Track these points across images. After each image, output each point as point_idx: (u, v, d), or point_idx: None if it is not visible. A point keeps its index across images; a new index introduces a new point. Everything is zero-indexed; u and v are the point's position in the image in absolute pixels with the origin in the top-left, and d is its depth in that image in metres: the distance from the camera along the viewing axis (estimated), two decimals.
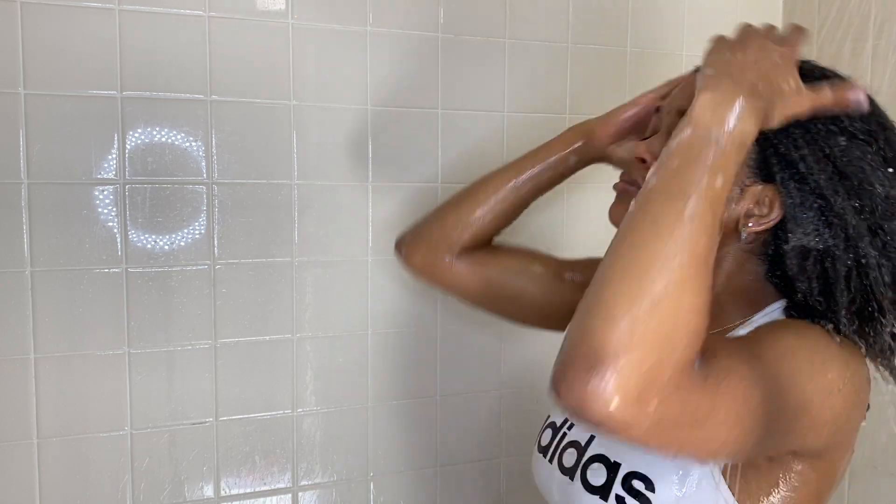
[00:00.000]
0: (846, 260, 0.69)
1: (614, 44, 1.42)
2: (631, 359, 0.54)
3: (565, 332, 0.59)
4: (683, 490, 0.71)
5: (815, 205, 0.69)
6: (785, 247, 0.70)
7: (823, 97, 0.68)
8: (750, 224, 0.72)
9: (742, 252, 0.75)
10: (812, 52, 1.47)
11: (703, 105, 0.63)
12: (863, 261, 0.68)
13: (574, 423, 0.56)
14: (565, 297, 1.00)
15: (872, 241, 0.68)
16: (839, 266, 0.69)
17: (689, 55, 1.45)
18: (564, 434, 0.84)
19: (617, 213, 0.83)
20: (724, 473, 0.70)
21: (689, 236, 0.57)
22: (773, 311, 0.75)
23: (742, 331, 0.74)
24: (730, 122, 0.62)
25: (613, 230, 0.67)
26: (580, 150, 0.98)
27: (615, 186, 0.85)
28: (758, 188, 0.71)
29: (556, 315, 1.00)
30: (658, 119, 0.83)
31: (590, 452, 0.78)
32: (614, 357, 0.54)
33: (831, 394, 0.66)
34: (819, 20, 1.45)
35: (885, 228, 0.68)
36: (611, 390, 0.53)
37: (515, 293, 1.02)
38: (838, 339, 0.69)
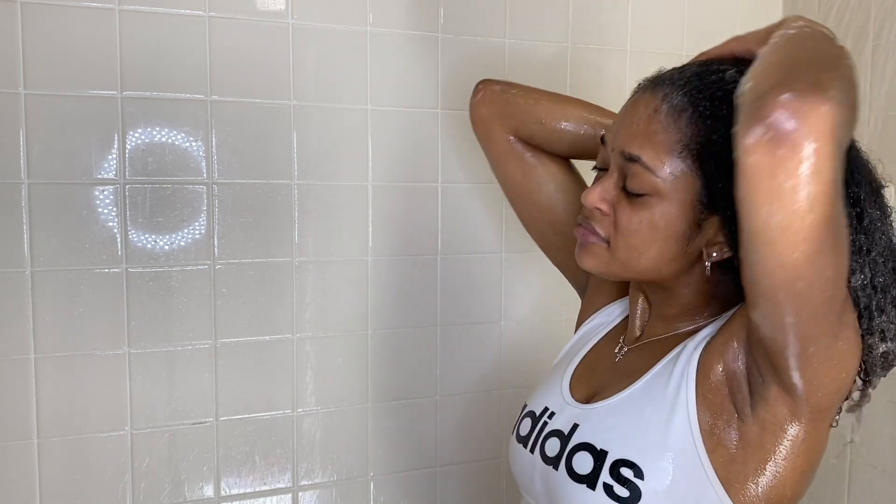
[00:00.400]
0: None
1: (614, 44, 1.42)
2: (843, 99, 0.56)
3: (755, 82, 0.59)
4: (672, 476, 0.71)
5: None
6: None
7: None
8: (714, 254, 0.74)
9: (706, 270, 0.77)
10: None
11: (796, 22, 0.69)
12: None
13: (769, 142, 0.55)
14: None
15: None
16: None
17: (688, 55, 1.44)
18: (545, 423, 0.83)
19: (588, 261, 0.79)
20: (710, 458, 0.70)
21: (845, 54, 0.63)
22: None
23: (710, 328, 0.77)
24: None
25: None
26: None
27: (576, 232, 0.81)
28: (715, 219, 0.73)
29: (563, 246, 0.98)
30: (606, 152, 0.79)
31: (574, 441, 0.78)
32: (832, 91, 0.55)
33: (857, 341, 0.69)
34: (819, 20, 1.45)
35: None
36: (826, 114, 0.54)
37: (545, 203, 0.99)
38: None
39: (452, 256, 1.35)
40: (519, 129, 0.99)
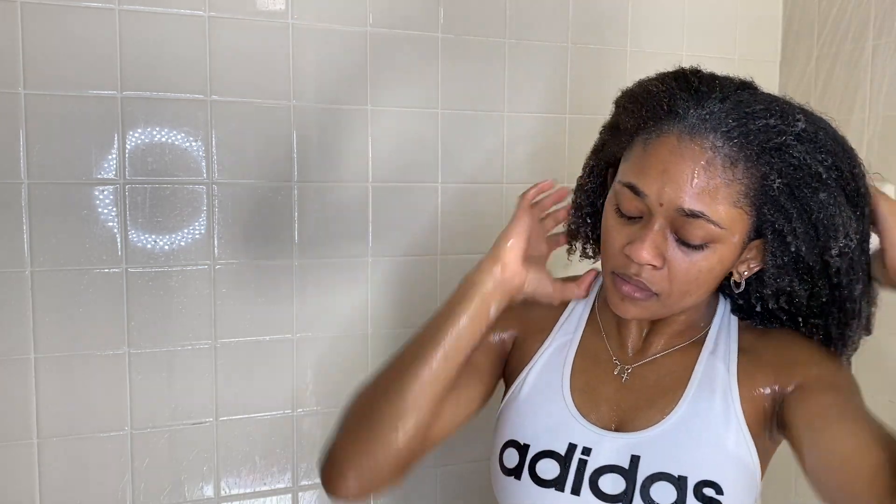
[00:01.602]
0: (802, 291, 0.78)
1: (614, 44, 1.42)
2: None
3: None
4: (742, 484, 0.75)
5: (791, 259, 0.75)
6: (765, 291, 0.78)
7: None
8: (745, 272, 0.78)
9: (716, 284, 0.80)
10: (812, 52, 1.47)
11: None
12: (815, 290, 0.77)
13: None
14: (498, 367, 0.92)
15: (825, 273, 0.76)
16: (799, 292, 0.78)
17: (688, 55, 1.45)
18: (583, 461, 0.79)
19: (633, 311, 0.78)
20: (760, 462, 0.77)
21: None
22: (725, 315, 0.85)
23: (720, 338, 0.83)
24: None
25: None
26: (502, 295, 0.82)
27: (618, 286, 0.77)
28: (754, 243, 0.76)
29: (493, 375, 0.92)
30: (643, 203, 0.75)
31: (644, 472, 0.76)
32: None
33: None
34: (819, 20, 1.45)
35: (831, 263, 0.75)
36: None
37: (469, 412, 0.90)
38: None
39: (452, 256, 1.35)
40: (397, 465, 0.77)
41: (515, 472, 0.83)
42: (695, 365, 0.81)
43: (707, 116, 0.73)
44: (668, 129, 0.74)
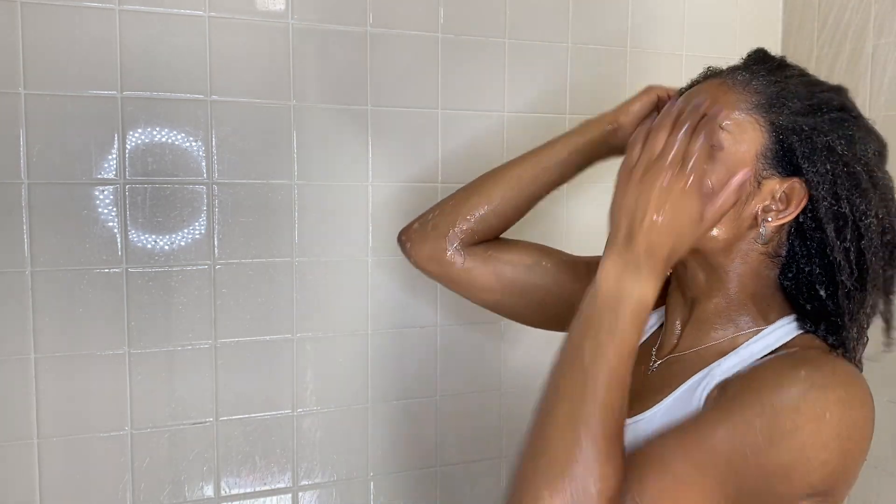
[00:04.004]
0: (873, 227, 0.71)
1: (614, 44, 1.42)
2: None
3: None
4: None
5: (846, 180, 0.71)
6: (821, 215, 0.71)
7: (722, 201, 0.70)
8: (769, 219, 0.72)
9: (756, 254, 0.74)
10: (812, 52, 1.47)
11: (606, 273, 0.68)
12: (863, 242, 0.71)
13: None
14: (578, 294, 0.95)
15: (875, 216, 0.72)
16: (871, 229, 0.71)
17: (688, 55, 1.45)
18: None
19: None
20: None
21: None
22: (786, 326, 0.74)
23: (734, 361, 0.73)
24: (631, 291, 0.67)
25: None
26: (610, 136, 0.93)
27: None
28: (774, 182, 0.72)
29: (566, 312, 0.93)
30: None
31: None
32: None
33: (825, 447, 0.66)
34: (819, 20, 1.45)
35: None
36: None
37: (527, 288, 0.96)
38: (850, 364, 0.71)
39: None
40: (461, 239, 0.96)
41: None
42: (696, 373, 0.73)
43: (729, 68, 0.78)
44: (695, 82, 0.80)
